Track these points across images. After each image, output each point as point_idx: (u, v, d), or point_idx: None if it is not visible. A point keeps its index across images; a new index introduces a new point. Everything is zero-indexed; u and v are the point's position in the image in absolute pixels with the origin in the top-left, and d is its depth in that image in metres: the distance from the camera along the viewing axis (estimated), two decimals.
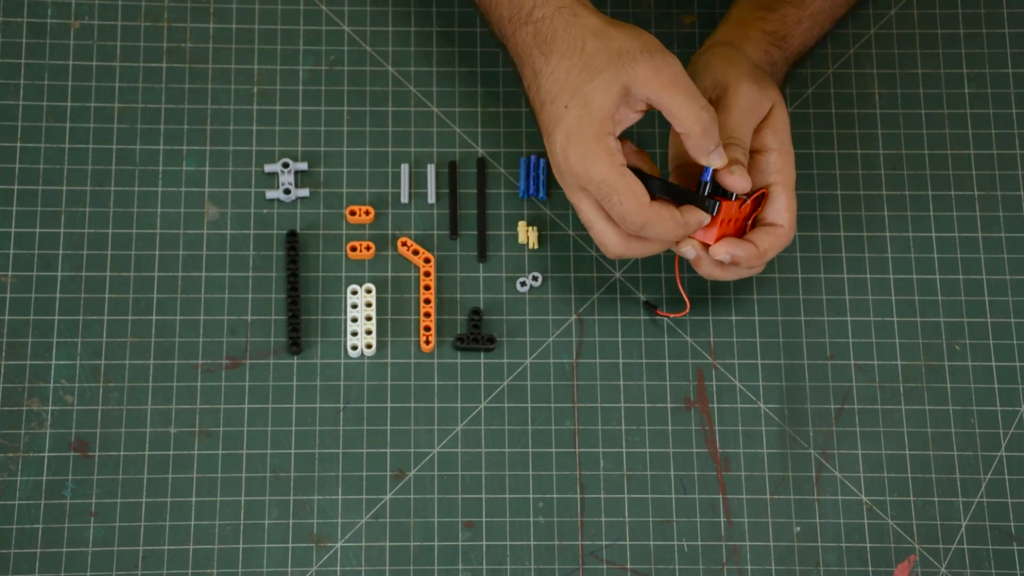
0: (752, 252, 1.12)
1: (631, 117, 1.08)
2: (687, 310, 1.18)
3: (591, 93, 1.07)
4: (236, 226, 1.20)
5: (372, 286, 1.18)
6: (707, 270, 1.13)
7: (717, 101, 1.11)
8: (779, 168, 1.12)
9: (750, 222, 1.13)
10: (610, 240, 1.10)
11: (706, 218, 1.09)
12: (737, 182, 1.09)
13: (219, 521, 1.13)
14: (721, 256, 1.11)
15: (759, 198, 1.12)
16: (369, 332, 1.17)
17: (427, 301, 1.18)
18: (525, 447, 1.16)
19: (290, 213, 1.20)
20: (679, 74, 1.07)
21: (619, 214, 1.07)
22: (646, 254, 1.12)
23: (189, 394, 1.15)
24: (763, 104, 1.12)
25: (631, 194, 1.07)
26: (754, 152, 1.13)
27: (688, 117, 1.07)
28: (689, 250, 1.12)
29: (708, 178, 1.09)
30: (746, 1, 1.19)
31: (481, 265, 1.20)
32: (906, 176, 1.23)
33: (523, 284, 1.19)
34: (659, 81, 1.06)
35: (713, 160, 1.08)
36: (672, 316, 1.18)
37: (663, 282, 1.19)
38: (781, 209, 1.12)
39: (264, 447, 1.15)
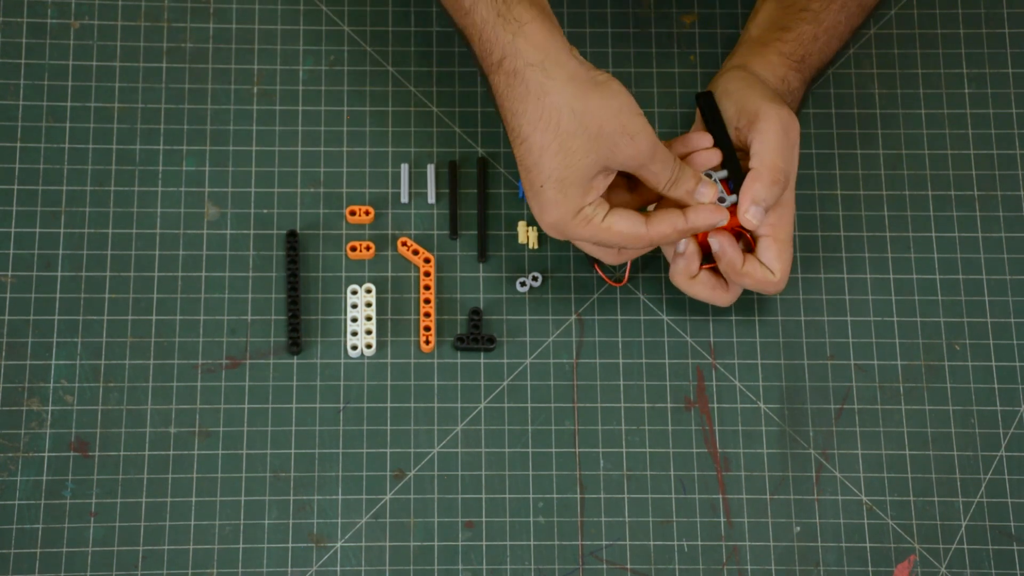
0: (738, 261, 1.11)
1: (605, 183, 1.09)
2: (624, 281, 1.18)
3: (569, 179, 1.06)
4: (236, 226, 1.20)
5: (372, 286, 1.18)
6: (682, 274, 1.13)
7: (748, 128, 1.12)
8: (771, 221, 1.12)
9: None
10: (607, 258, 1.13)
11: (721, 219, 1.10)
12: (749, 221, 1.11)
13: (219, 521, 1.13)
14: (712, 242, 1.11)
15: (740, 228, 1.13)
16: (369, 332, 1.17)
17: (427, 301, 1.18)
18: (525, 447, 1.15)
19: (290, 213, 1.20)
20: (655, 143, 1.07)
21: (619, 249, 1.11)
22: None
23: (189, 394, 1.15)
24: (795, 125, 1.12)
25: (625, 238, 1.09)
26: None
27: (663, 182, 1.09)
28: (682, 244, 1.12)
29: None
30: (763, 18, 1.19)
31: (481, 265, 1.20)
32: (906, 176, 1.23)
33: (523, 284, 1.19)
34: (639, 160, 1.07)
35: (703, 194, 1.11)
36: (608, 280, 1.18)
37: (663, 282, 1.19)
38: (772, 260, 1.12)
39: (264, 447, 1.15)
